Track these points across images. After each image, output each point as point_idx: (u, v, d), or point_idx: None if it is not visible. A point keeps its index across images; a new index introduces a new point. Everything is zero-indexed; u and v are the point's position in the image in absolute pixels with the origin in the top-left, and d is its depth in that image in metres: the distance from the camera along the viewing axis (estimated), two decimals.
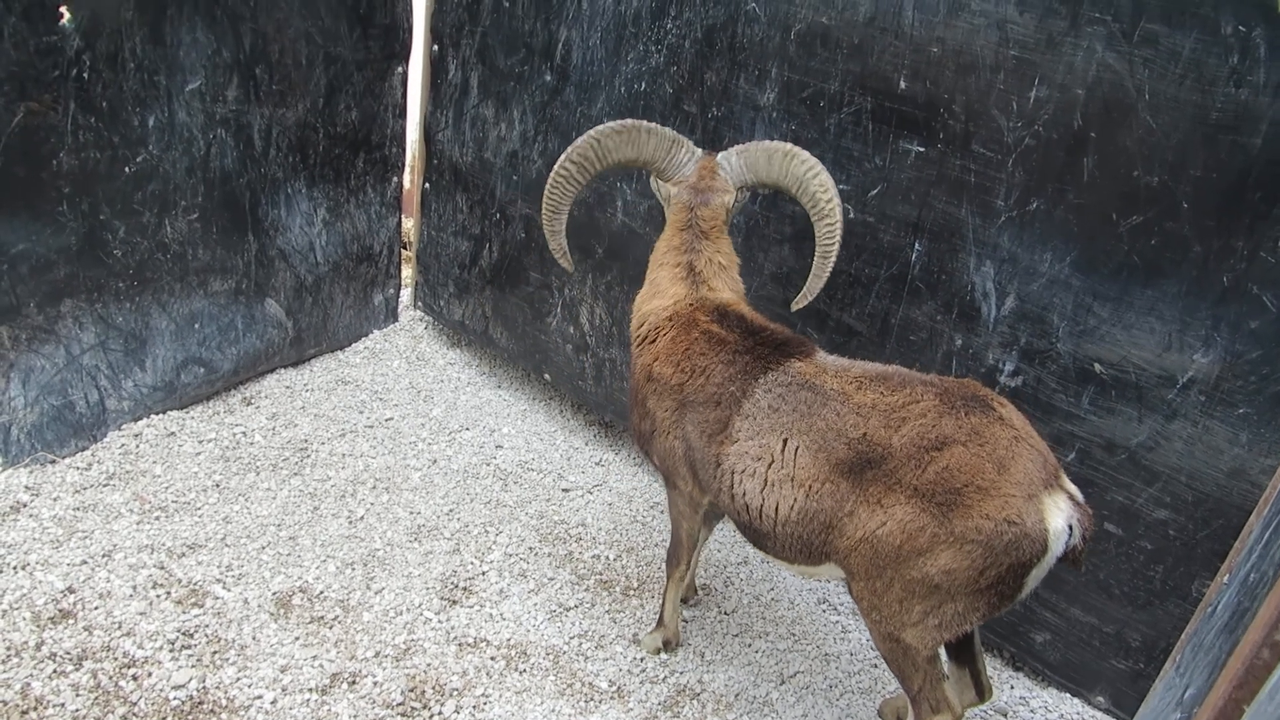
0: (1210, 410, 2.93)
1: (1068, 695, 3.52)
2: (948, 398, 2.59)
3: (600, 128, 3.12)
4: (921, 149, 3.27)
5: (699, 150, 3.22)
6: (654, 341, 3.13)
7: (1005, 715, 3.46)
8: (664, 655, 3.51)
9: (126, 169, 3.81)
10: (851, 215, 3.49)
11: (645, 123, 3.13)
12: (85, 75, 3.55)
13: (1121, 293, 3.00)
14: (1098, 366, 3.10)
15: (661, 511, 4.30)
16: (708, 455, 2.93)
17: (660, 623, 3.51)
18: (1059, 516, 2.44)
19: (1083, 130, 2.93)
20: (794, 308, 3.22)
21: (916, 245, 3.37)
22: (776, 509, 2.77)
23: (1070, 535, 2.46)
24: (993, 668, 3.65)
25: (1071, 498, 2.50)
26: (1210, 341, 2.87)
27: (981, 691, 2.95)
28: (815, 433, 2.71)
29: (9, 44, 3.31)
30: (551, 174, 3.18)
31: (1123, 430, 3.12)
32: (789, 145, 3.07)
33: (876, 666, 3.61)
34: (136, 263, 3.98)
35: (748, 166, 3.16)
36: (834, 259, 3.04)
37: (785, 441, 2.75)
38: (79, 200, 3.70)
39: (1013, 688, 3.58)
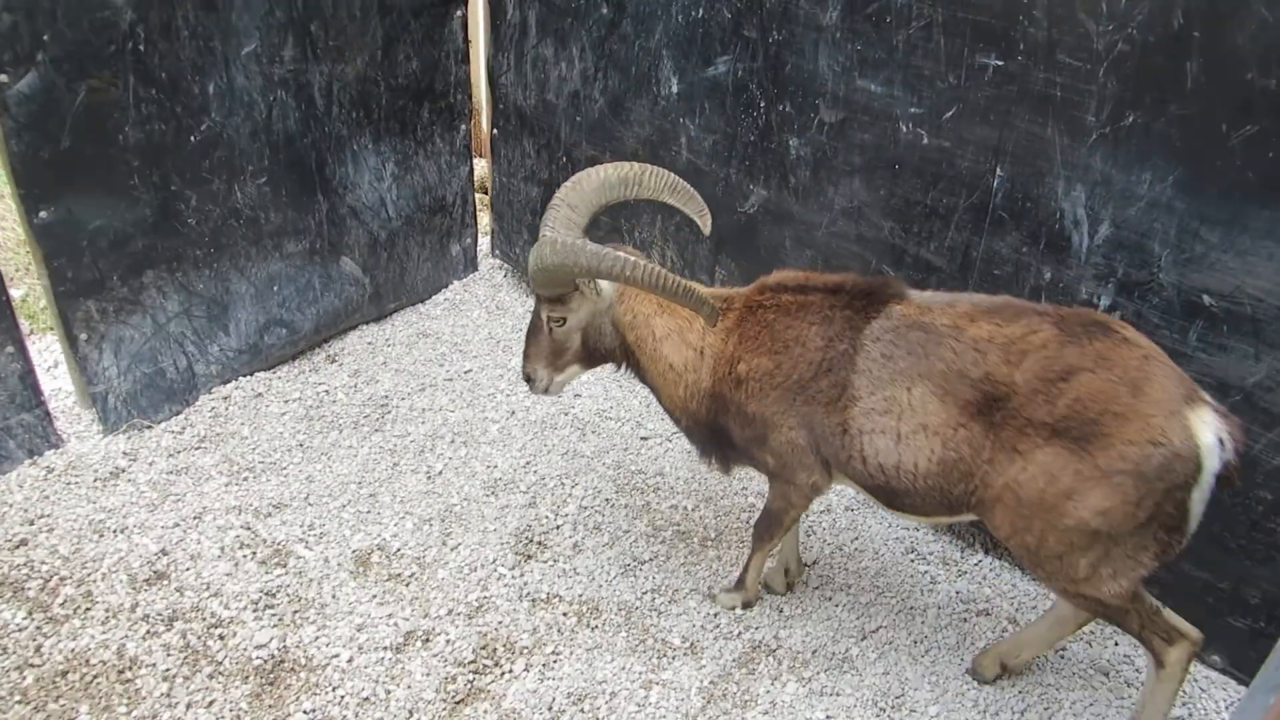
0: None
1: None
2: (1066, 325, 2.42)
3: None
4: (1000, 63, 2.94)
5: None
6: (721, 351, 2.91)
7: (1107, 675, 3.23)
8: (739, 612, 3.42)
9: (192, 138, 3.85)
10: (925, 141, 3.20)
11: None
12: (141, 48, 3.57)
13: (1234, 215, 2.64)
14: (1207, 298, 2.77)
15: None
16: (830, 425, 2.73)
17: (741, 585, 3.39)
18: (1207, 430, 2.28)
19: (1184, 30, 2.56)
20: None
21: (998, 171, 3.07)
22: (915, 464, 2.60)
23: (1223, 449, 2.29)
24: (1095, 623, 3.40)
25: (1215, 410, 2.32)
26: None
27: None
28: (937, 375, 2.53)
29: (63, 23, 3.34)
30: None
31: (1237, 368, 2.78)
32: (567, 182, 2.94)
33: (966, 621, 3.42)
34: (211, 230, 4.05)
35: (578, 212, 2.94)
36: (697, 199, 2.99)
37: (909, 389, 2.57)
38: (149, 173, 3.76)
39: (1117, 644, 3.34)
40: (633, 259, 2.68)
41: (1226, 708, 3.10)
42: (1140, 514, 2.34)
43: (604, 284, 2.97)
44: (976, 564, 3.67)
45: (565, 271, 2.79)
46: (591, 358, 3.17)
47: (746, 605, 3.41)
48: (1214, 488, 2.34)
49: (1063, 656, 3.28)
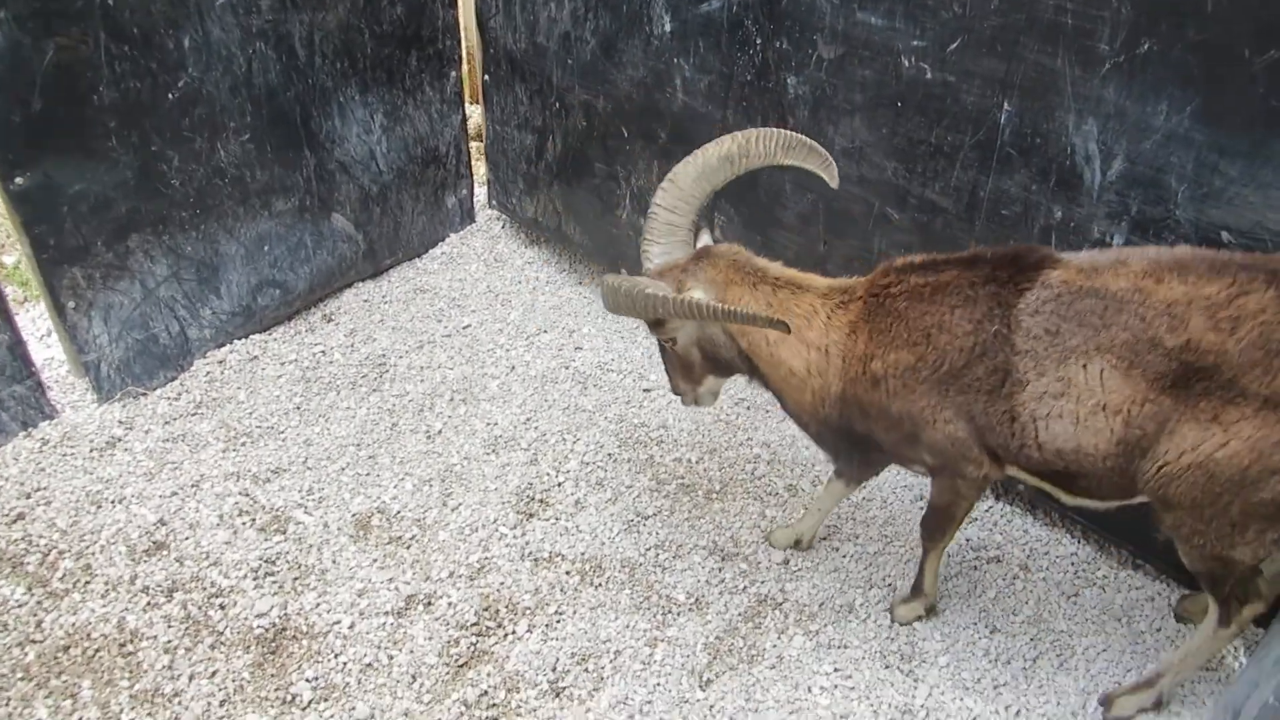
0: None
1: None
2: None
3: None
4: None
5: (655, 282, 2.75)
6: (850, 349, 2.65)
7: (1120, 621, 3.17)
8: (920, 620, 3.19)
9: (170, 95, 3.72)
10: (929, 75, 3.04)
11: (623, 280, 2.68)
12: (110, 2, 3.41)
13: (1255, 146, 2.49)
14: (1226, 235, 2.63)
15: (748, 408, 4.09)
16: (995, 414, 2.49)
17: (919, 591, 3.12)
18: None
19: None
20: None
21: (1005, 105, 2.91)
22: (1096, 446, 2.39)
23: None
24: (1109, 569, 3.35)
25: None
26: None
27: None
28: (1120, 347, 2.28)
29: None
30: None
31: None
32: (664, 182, 2.80)
33: (976, 569, 3.37)
34: (196, 190, 3.94)
35: (679, 213, 2.81)
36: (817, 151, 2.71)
37: (1085, 366, 2.33)
38: (127, 133, 3.64)
39: (1131, 590, 3.27)
40: (679, 298, 2.54)
41: (1245, 650, 3.04)
42: None
43: (698, 293, 2.70)
44: (987, 510, 3.60)
45: (631, 312, 2.66)
46: (719, 368, 2.98)
47: (929, 611, 3.16)
48: None
49: (1075, 603, 3.23)
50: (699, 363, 2.95)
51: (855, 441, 2.84)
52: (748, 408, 4.09)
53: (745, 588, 3.29)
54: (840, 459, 2.99)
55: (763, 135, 2.69)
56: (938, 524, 2.90)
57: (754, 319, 2.51)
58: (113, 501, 3.52)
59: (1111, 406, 2.32)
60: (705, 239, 2.95)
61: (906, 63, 3.08)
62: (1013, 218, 3.05)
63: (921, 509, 3.61)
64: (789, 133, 2.69)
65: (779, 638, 3.12)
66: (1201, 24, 2.46)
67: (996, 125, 2.96)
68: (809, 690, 2.95)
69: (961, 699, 2.92)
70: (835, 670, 3.02)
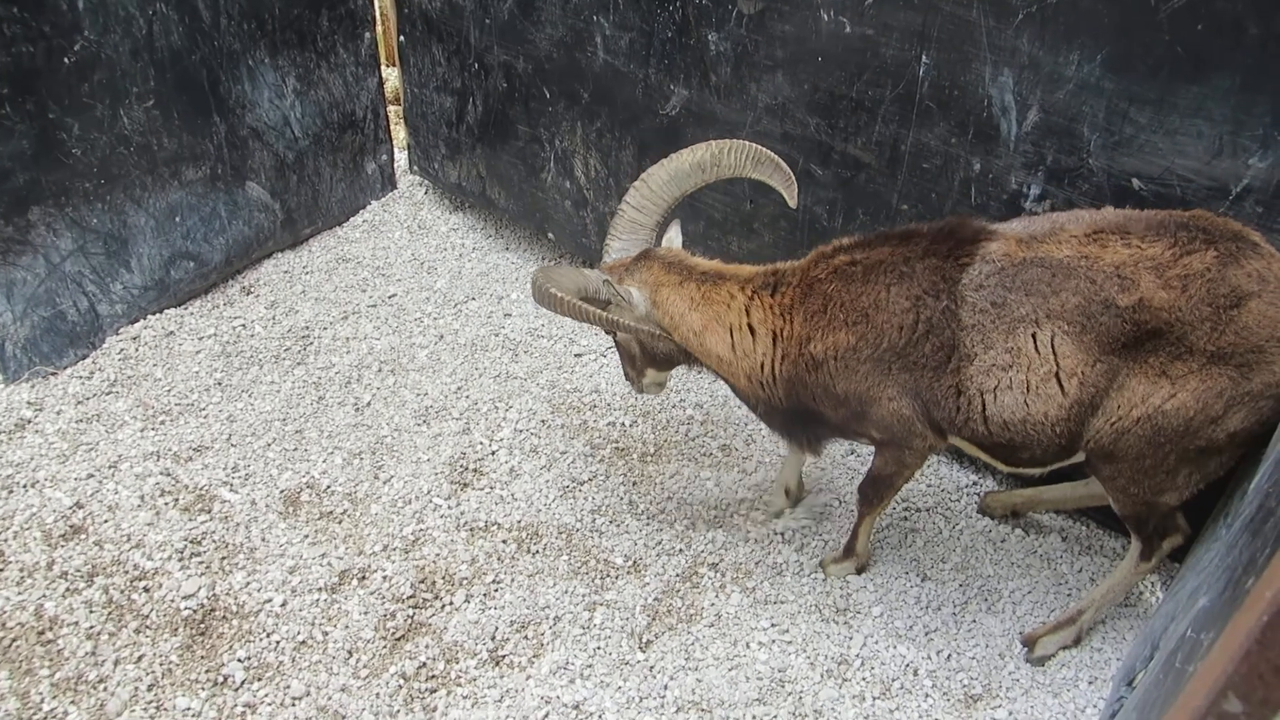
0: (1269, 222, 2.53)
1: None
2: (1219, 242, 2.26)
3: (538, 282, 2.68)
4: None
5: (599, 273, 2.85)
6: (786, 331, 2.68)
7: (1047, 562, 3.27)
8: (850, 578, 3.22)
9: (66, 60, 3.54)
10: (848, 29, 3.04)
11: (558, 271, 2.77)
12: None
13: (1163, 93, 2.55)
14: (1136, 182, 2.70)
15: (681, 370, 4.07)
16: (941, 389, 2.52)
17: (851, 552, 3.16)
18: None
19: None
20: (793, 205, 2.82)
21: (924, 58, 2.93)
22: (1046, 414, 2.43)
23: None
24: (1032, 512, 3.44)
25: None
26: (1269, 142, 2.45)
27: None
28: (1070, 312, 2.33)
29: None
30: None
31: None
32: (637, 181, 2.88)
33: (906, 520, 3.43)
34: (99, 160, 3.77)
35: (645, 213, 2.91)
36: (782, 169, 2.76)
37: (1035, 335, 2.37)
38: (22, 100, 3.46)
39: (1057, 534, 3.38)
40: (571, 300, 2.61)
41: (1162, 586, 3.16)
42: (1261, 431, 2.32)
43: (634, 291, 2.79)
44: None
45: (545, 306, 2.70)
46: (659, 362, 3.06)
47: (860, 571, 3.21)
48: None
49: (1001, 548, 3.31)
50: (639, 355, 3.05)
51: (803, 420, 2.88)
52: (681, 370, 4.08)
53: (682, 549, 3.31)
54: (790, 438, 3.03)
55: (735, 148, 2.77)
56: (877, 491, 2.96)
57: (626, 327, 2.72)
58: (24, 486, 3.38)
59: (1066, 371, 2.38)
60: (674, 231, 3.02)
61: (826, 16, 3.07)
62: (933, 171, 3.08)
63: (855, 460, 3.67)
64: (760, 148, 2.75)
65: (716, 596, 3.15)
66: None
67: (915, 78, 2.97)
68: (747, 646, 2.98)
69: (895, 646, 2.99)
70: (772, 625, 3.06)
